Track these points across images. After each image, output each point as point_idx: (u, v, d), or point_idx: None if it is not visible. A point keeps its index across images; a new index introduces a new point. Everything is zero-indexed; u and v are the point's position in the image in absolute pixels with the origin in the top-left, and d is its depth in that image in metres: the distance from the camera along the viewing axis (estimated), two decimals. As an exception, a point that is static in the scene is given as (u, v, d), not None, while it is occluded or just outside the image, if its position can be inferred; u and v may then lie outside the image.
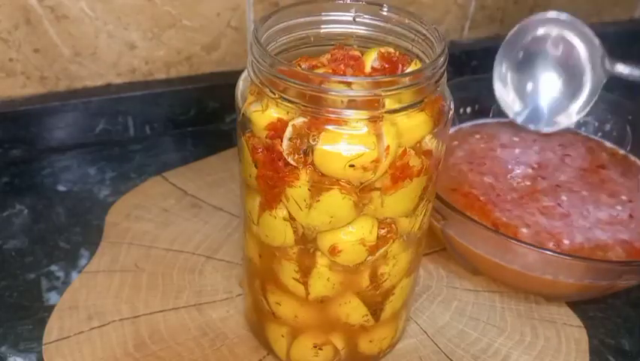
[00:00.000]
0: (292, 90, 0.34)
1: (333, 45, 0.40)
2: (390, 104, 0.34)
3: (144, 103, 0.67)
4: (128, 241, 0.56)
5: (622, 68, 0.60)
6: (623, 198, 0.56)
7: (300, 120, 0.35)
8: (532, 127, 0.63)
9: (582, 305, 0.52)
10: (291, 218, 0.38)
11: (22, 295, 0.51)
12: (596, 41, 0.61)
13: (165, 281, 0.52)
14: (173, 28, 0.66)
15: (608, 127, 0.64)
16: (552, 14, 0.63)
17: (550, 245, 0.51)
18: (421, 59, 0.39)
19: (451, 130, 0.64)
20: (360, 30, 0.41)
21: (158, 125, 0.69)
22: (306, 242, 0.38)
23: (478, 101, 0.66)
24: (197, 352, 0.47)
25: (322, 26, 0.40)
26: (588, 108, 0.62)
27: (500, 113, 0.66)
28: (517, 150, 0.61)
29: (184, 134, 0.70)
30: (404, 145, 0.35)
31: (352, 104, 0.34)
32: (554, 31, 0.62)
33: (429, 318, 0.51)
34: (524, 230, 0.52)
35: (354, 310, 0.42)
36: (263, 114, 0.36)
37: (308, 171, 0.35)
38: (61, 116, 0.65)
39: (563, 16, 0.62)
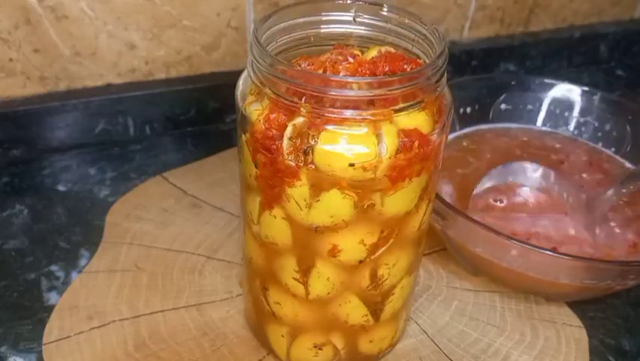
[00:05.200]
0: (292, 90, 0.34)
1: (333, 45, 0.40)
2: (390, 104, 0.34)
3: (144, 103, 0.67)
4: (128, 241, 0.56)
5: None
6: None
7: (300, 120, 0.35)
8: None
9: (582, 305, 0.52)
10: (291, 218, 0.38)
11: (22, 295, 0.51)
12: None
13: (165, 281, 0.52)
14: (173, 28, 0.66)
15: (608, 127, 0.64)
16: None
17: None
18: (421, 59, 0.39)
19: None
20: (360, 30, 0.41)
21: (158, 125, 0.69)
22: (306, 242, 0.38)
23: (478, 101, 0.66)
24: (197, 352, 0.47)
25: (322, 26, 0.40)
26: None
27: (500, 113, 0.66)
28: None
29: (184, 134, 0.70)
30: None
31: (352, 104, 0.34)
32: None
33: (429, 318, 0.51)
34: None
35: (354, 310, 0.42)
36: (263, 114, 0.36)
37: (308, 171, 0.35)
38: (61, 116, 0.65)
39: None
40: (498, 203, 0.56)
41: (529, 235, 0.53)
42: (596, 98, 0.65)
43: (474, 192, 0.56)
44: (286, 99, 0.35)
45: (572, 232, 0.53)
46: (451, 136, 0.63)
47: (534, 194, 0.56)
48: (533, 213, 0.55)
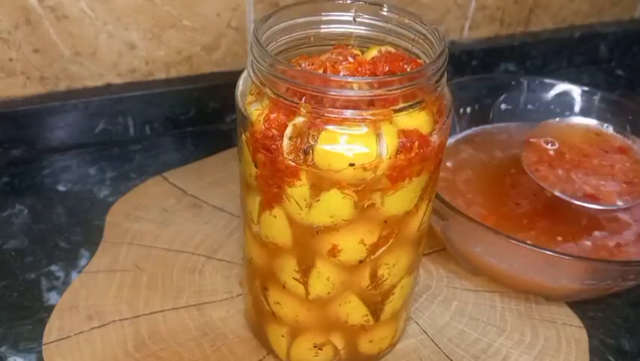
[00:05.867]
0: (292, 90, 0.34)
1: (333, 45, 0.40)
2: (390, 104, 0.34)
3: (144, 103, 0.67)
4: (128, 241, 0.56)
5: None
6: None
7: (300, 120, 0.35)
8: None
9: (582, 305, 0.52)
10: (291, 218, 0.38)
11: (22, 295, 0.51)
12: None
13: (165, 281, 0.52)
14: (173, 28, 0.66)
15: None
16: None
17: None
18: (420, 59, 0.39)
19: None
20: (360, 30, 0.41)
21: (158, 125, 0.69)
22: (306, 242, 0.38)
23: (478, 101, 0.66)
24: (197, 352, 0.47)
25: (322, 26, 0.40)
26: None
27: (500, 113, 0.66)
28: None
29: (184, 134, 0.70)
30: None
31: (352, 104, 0.34)
32: None
33: (429, 318, 0.51)
34: None
35: (354, 310, 0.42)
36: (263, 114, 0.36)
37: (308, 171, 0.35)
38: (61, 116, 0.65)
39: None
40: (549, 146, 0.56)
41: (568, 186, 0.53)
42: (596, 98, 0.65)
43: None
44: (286, 99, 0.35)
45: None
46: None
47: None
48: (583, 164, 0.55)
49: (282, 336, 0.44)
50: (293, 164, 0.35)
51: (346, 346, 0.44)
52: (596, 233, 0.54)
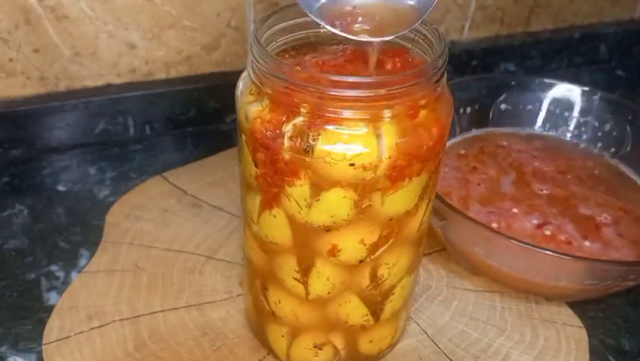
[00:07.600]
0: (292, 90, 0.34)
1: (333, 45, 0.40)
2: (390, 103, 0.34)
3: (144, 103, 0.67)
4: (128, 241, 0.56)
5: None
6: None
7: (300, 120, 0.35)
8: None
9: (582, 305, 0.52)
10: (291, 217, 0.38)
11: (22, 295, 0.51)
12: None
13: (165, 281, 0.52)
14: (173, 28, 0.66)
15: (608, 127, 0.64)
16: None
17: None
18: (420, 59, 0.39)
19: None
20: (360, 30, 0.41)
21: (158, 125, 0.69)
22: (306, 241, 0.38)
23: (478, 102, 0.66)
24: (197, 352, 0.47)
25: (322, 26, 0.40)
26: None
27: (500, 113, 0.66)
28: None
29: (184, 134, 0.70)
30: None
31: (352, 103, 0.34)
32: None
33: (429, 318, 0.51)
34: None
35: (354, 310, 0.42)
36: (263, 114, 0.36)
37: (308, 171, 0.35)
38: (61, 116, 0.65)
39: None
40: None
41: None
42: (596, 98, 0.65)
43: None
44: (286, 99, 0.35)
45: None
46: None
47: None
48: None
49: (282, 336, 0.44)
50: (293, 164, 0.35)
51: (346, 346, 0.44)
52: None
